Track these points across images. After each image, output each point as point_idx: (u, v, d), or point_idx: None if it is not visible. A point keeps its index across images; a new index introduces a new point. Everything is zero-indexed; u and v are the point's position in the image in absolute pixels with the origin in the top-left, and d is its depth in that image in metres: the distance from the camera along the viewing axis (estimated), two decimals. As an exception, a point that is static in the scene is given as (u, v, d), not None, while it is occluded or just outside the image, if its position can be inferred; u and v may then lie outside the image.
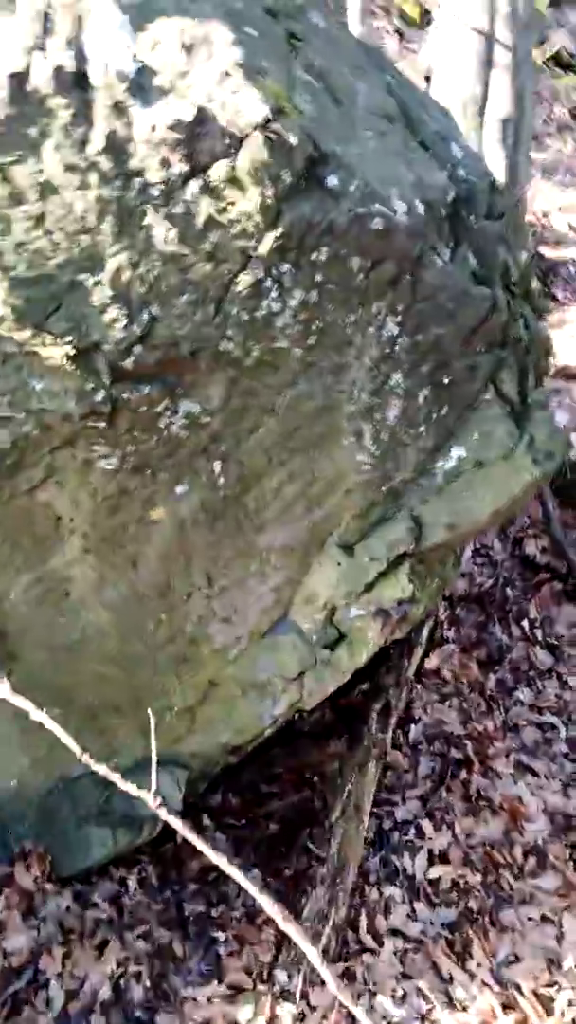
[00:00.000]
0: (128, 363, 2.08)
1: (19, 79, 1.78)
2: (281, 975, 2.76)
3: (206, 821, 3.44)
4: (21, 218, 1.89)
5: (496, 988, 2.86)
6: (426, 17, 7.06)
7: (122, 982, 2.75)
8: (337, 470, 2.51)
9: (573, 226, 5.96)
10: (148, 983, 2.75)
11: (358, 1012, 2.40)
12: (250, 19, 2.04)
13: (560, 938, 3.10)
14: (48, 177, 1.87)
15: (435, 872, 3.33)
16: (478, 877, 3.33)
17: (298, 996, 2.67)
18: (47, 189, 1.88)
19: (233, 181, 1.90)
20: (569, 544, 4.17)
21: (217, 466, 2.34)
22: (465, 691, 4.15)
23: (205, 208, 1.93)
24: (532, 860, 3.40)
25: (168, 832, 3.03)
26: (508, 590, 4.49)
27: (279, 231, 1.98)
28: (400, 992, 2.79)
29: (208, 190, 1.91)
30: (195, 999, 2.73)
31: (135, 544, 2.43)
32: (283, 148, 1.88)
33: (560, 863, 3.39)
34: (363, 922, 3.04)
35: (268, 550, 2.59)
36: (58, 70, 1.79)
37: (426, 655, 4.11)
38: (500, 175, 4.40)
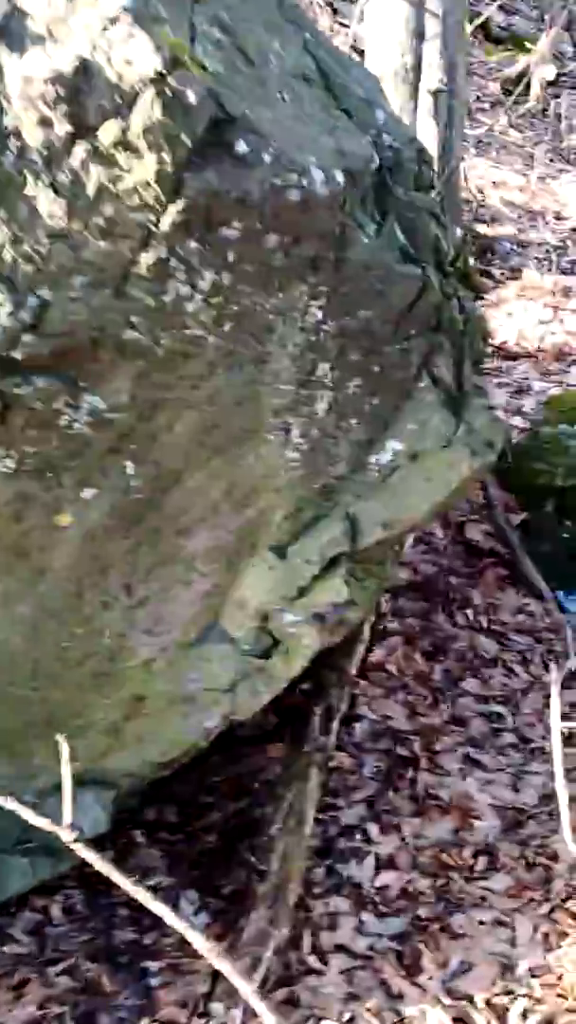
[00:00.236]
0: (18, 354, 1.80)
1: None
2: (218, 1008, 2.53)
3: (139, 837, 3.19)
4: None
5: (448, 1001, 2.68)
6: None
7: (43, 1026, 2.51)
8: (264, 468, 2.27)
9: (508, 203, 5.77)
10: (72, 1025, 2.51)
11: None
12: (144, -38, 1.77)
13: (513, 941, 2.92)
14: None
15: (383, 879, 3.14)
16: (427, 882, 3.14)
17: (236, 1027, 2.46)
18: None
19: (126, 145, 1.62)
20: (511, 530, 3.99)
21: (130, 467, 2.08)
22: (411, 684, 3.96)
23: (96, 177, 1.66)
24: (482, 860, 3.23)
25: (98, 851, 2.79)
26: (451, 578, 4.31)
27: (182, 204, 1.71)
28: (347, 1016, 2.58)
29: (98, 156, 1.63)
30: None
31: (42, 554, 2.16)
32: (182, 107, 1.61)
33: (511, 862, 3.22)
34: (307, 940, 2.83)
35: (193, 556, 2.34)
36: None
37: (369, 649, 3.91)
38: (433, 149, 4.16)
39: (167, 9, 1.73)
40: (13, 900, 2.71)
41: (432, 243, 2.20)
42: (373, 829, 3.34)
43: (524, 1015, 2.64)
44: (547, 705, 3.89)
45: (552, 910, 3.00)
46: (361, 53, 5.44)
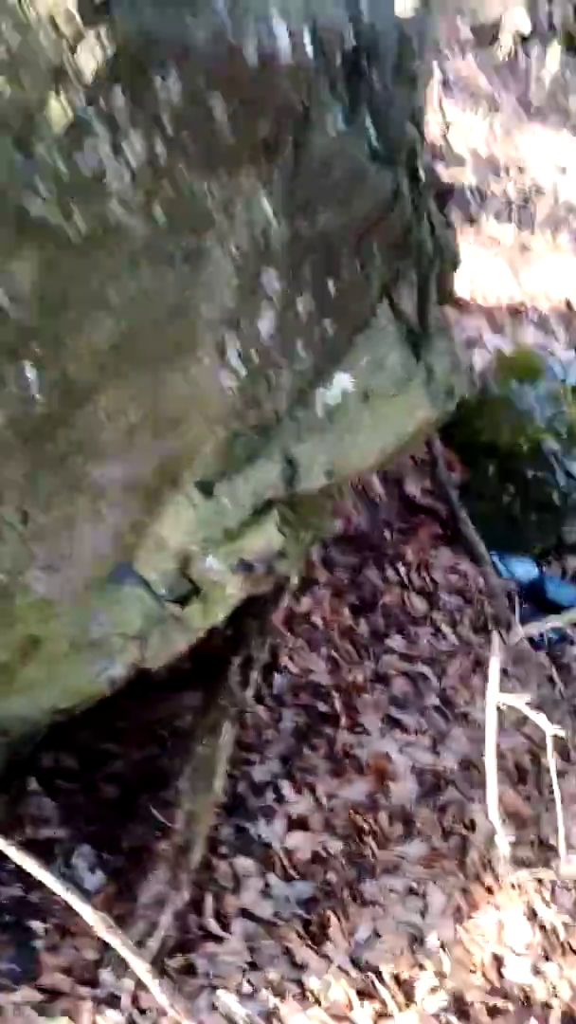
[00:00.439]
0: None
1: None
2: (107, 977, 2.25)
3: (33, 785, 2.87)
4: None
5: (353, 974, 2.45)
6: None
7: None
8: (193, 392, 1.91)
9: (471, 150, 5.39)
10: (-55, 991, 2.20)
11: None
12: None
13: (424, 911, 2.71)
14: None
15: (293, 840, 2.88)
16: (340, 845, 2.90)
17: (127, 1000, 2.17)
18: None
19: (37, -51, 1.23)
20: (452, 487, 3.71)
21: (31, 374, 1.70)
22: (335, 638, 3.69)
23: (-3, -8, 1.26)
24: (398, 826, 3.00)
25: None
26: (386, 532, 4.03)
27: (107, 41, 1.32)
28: (247, 986, 2.33)
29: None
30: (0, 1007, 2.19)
31: None
32: None
33: (427, 828, 3.00)
34: (209, 903, 2.56)
35: (104, 486, 1.98)
36: None
37: (295, 599, 3.61)
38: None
39: None
40: None
41: (407, 147, 1.84)
42: (286, 787, 3.08)
43: (433, 991, 2.43)
44: (474, 670, 3.67)
45: (467, 882, 2.80)
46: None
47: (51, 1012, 2.10)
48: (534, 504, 3.83)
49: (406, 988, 2.44)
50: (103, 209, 1.51)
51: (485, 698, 3.58)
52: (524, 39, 7.16)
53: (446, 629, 3.80)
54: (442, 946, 2.58)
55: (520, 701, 2.61)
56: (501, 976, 2.53)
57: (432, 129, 5.55)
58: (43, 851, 2.65)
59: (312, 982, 2.37)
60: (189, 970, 2.30)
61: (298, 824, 2.94)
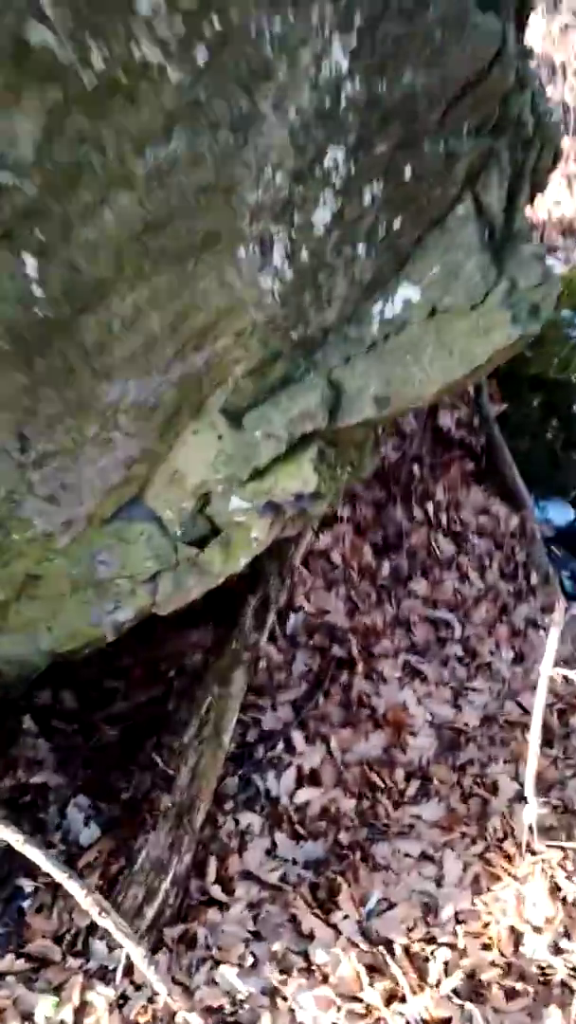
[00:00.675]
0: None
1: None
2: (100, 947, 2.03)
3: (28, 724, 2.61)
4: None
5: (363, 947, 2.23)
6: None
7: None
8: (228, 298, 1.55)
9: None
10: None
11: (193, 1019, 1.70)
12: None
13: (439, 880, 2.48)
14: None
15: (303, 796, 2.64)
16: (351, 803, 2.66)
17: (120, 974, 1.95)
18: None
19: None
20: (493, 422, 3.34)
21: (31, 265, 1.33)
22: (355, 578, 3.39)
23: None
24: (414, 784, 2.76)
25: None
26: (415, 466, 3.68)
27: None
28: (249, 959, 2.11)
29: None
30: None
31: None
32: None
33: (445, 788, 2.75)
34: (212, 865, 2.33)
35: (116, 408, 1.63)
36: None
37: (316, 535, 3.31)
38: None
39: None
40: None
41: (514, -2, 1.42)
42: (297, 737, 2.82)
43: (446, 968, 2.21)
44: (500, 618, 3.38)
45: (486, 849, 2.56)
46: None
47: (38, 985, 1.87)
48: (579, 443, 3.48)
49: (419, 965, 2.22)
50: (128, 45, 1.12)
51: (512, 649, 3.32)
52: None
53: (473, 574, 3.50)
54: (457, 919, 2.35)
55: (577, 675, 2.31)
56: (518, 953, 2.31)
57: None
58: (36, 798, 2.42)
59: (319, 956, 2.15)
60: (189, 941, 2.08)
61: (309, 778, 2.70)
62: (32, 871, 2.20)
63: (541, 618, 3.42)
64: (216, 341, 1.58)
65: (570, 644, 3.20)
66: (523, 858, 2.51)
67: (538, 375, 3.37)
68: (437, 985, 2.13)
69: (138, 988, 1.96)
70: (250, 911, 2.23)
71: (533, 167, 1.57)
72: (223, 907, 2.20)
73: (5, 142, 1.15)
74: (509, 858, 2.54)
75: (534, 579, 3.49)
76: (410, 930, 2.33)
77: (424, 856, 2.55)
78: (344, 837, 2.54)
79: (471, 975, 2.22)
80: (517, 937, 2.36)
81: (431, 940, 2.31)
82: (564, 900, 2.45)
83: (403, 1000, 2.05)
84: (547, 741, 2.95)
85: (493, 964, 2.26)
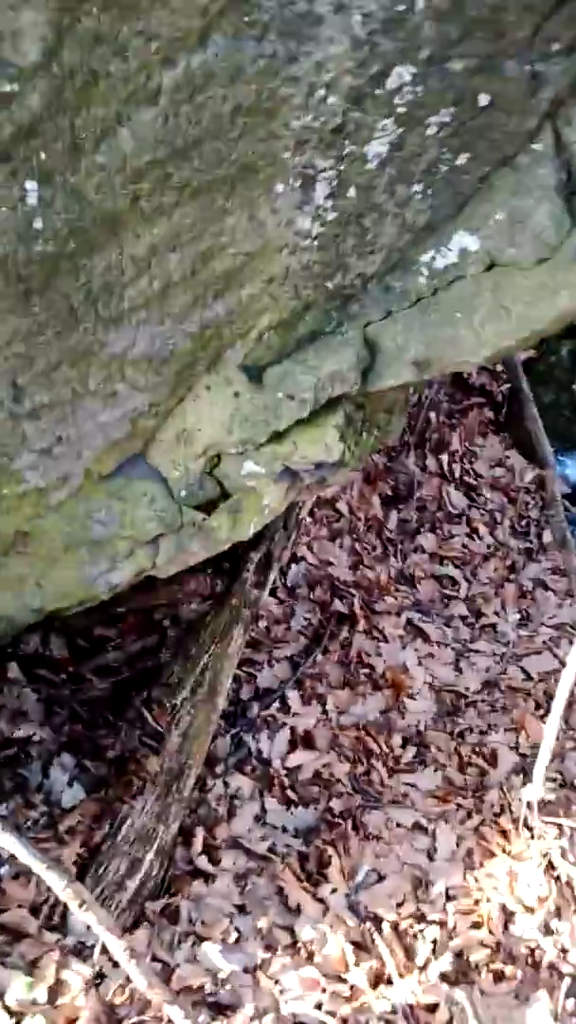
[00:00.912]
0: None
1: None
2: (78, 921, 1.93)
3: (13, 672, 2.47)
4: None
5: (351, 923, 2.15)
6: None
7: None
8: (259, 239, 1.32)
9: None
10: None
11: (174, 1012, 1.61)
12: None
13: (431, 853, 2.41)
14: None
15: (296, 759, 2.54)
16: (346, 767, 2.57)
17: (97, 951, 1.86)
18: None
19: None
20: (519, 370, 3.12)
21: (32, 193, 1.10)
22: (361, 530, 3.23)
23: None
24: (411, 750, 2.66)
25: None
26: (431, 413, 3.48)
27: None
28: (233, 935, 2.03)
29: None
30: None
31: None
32: None
33: (442, 757, 2.66)
34: (199, 834, 2.23)
35: (123, 357, 1.42)
36: None
37: (323, 482, 3.11)
38: None
39: None
40: None
41: None
42: (293, 697, 2.71)
43: (434, 948, 2.15)
44: (508, 577, 3.24)
45: (481, 823, 2.48)
46: None
47: (11, 960, 1.77)
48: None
49: (407, 944, 2.15)
50: None
51: (519, 610, 3.19)
52: None
53: (483, 530, 3.34)
54: (448, 895, 2.28)
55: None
56: (508, 932, 2.25)
57: None
58: (19, 752, 2.30)
59: (305, 932, 2.07)
60: (171, 915, 1.99)
61: (303, 741, 2.59)
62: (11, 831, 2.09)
63: (551, 579, 3.28)
64: (241, 289, 1.36)
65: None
66: (519, 834, 2.43)
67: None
68: (425, 967, 2.06)
69: (116, 966, 1.87)
70: (236, 883, 2.14)
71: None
72: (208, 879, 2.11)
73: (7, 42, 0.90)
74: (504, 833, 2.47)
75: (546, 537, 3.33)
76: (399, 905, 2.26)
77: (417, 827, 2.47)
78: (336, 804, 2.45)
79: (459, 955, 2.16)
80: (508, 916, 2.30)
81: (420, 917, 2.24)
82: (558, 879, 2.39)
83: (389, 982, 1.98)
84: (549, 711, 2.84)
85: (483, 944, 2.19)
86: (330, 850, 2.32)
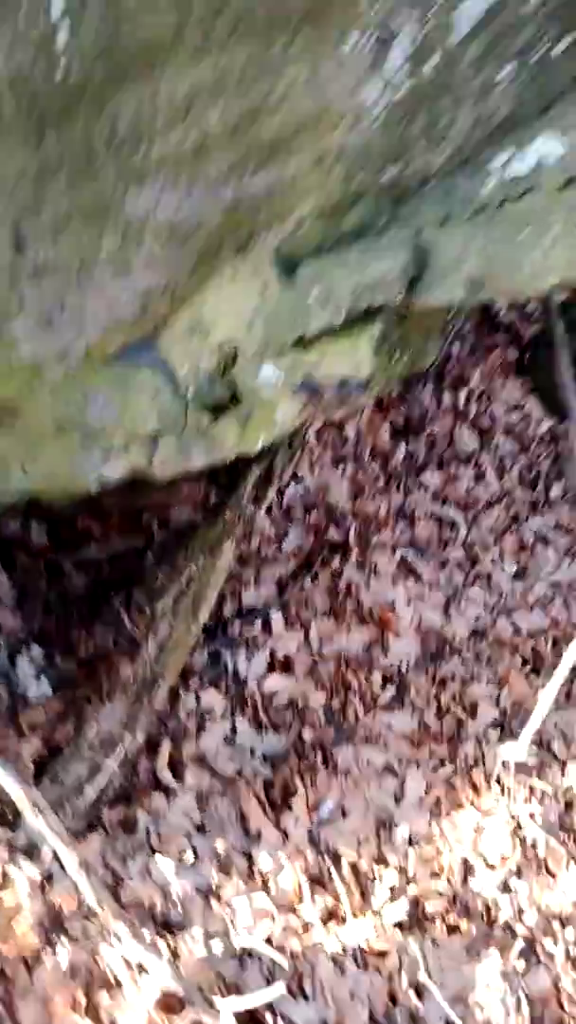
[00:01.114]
0: None
1: None
2: (33, 820, 1.85)
3: (-13, 553, 2.35)
4: None
5: (310, 857, 2.10)
6: None
7: None
8: (316, 104, 1.13)
9: None
10: None
11: (120, 929, 1.54)
12: None
13: (399, 798, 2.35)
14: None
15: (272, 683, 2.46)
16: (322, 698, 2.49)
17: (47, 854, 1.79)
18: None
19: None
20: (556, 311, 2.93)
21: (56, 10, 0.91)
22: (365, 458, 3.09)
23: None
24: (390, 690, 2.58)
25: None
26: (454, 345, 3.29)
27: None
28: (189, 854, 1.97)
29: None
30: None
31: None
32: None
33: (421, 700, 2.59)
34: (165, 746, 2.15)
35: (142, 223, 1.24)
36: None
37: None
38: None
39: None
40: None
41: None
42: (276, 619, 2.61)
43: (392, 895, 2.10)
44: (510, 527, 3.12)
45: (453, 773, 2.42)
46: None
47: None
48: None
49: (363, 884, 2.10)
50: None
51: (516, 562, 3.08)
52: None
53: (491, 475, 3.20)
54: (411, 841, 2.23)
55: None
56: (466, 887, 2.21)
57: None
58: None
59: (263, 860, 2.01)
60: (128, 826, 1.92)
61: (281, 665, 2.51)
62: (-29, 722, 2.00)
63: (553, 535, 3.16)
64: (287, 162, 1.18)
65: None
66: (489, 790, 2.38)
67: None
68: (379, 912, 2.01)
69: (65, 871, 1.80)
70: (198, 802, 2.07)
71: None
72: (170, 794, 2.04)
73: None
74: (475, 787, 2.41)
75: (554, 492, 3.20)
76: (360, 845, 2.20)
77: (388, 768, 2.41)
78: (308, 734, 2.38)
79: (416, 903, 2.12)
80: (468, 870, 2.25)
81: (381, 860, 2.19)
82: (523, 840, 2.34)
83: (343, 921, 1.93)
84: (535, 669, 2.77)
85: (440, 895, 2.15)
86: (297, 780, 2.26)
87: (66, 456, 1.70)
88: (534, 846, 2.33)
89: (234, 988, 1.66)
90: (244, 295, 1.37)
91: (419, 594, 2.87)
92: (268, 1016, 1.62)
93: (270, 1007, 1.66)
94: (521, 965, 1.99)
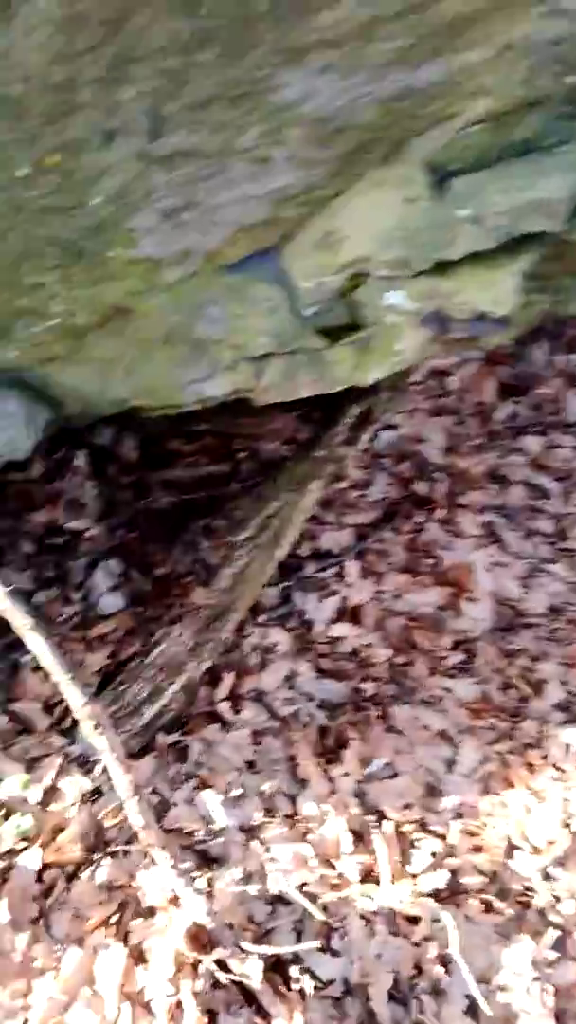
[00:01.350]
0: None
1: None
2: (88, 728, 1.79)
3: (80, 461, 2.27)
4: None
5: (353, 810, 2.00)
6: None
7: None
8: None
9: None
10: None
11: (161, 857, 1.47)
12: None
13: (451, 765, 2.22)
14: None
15: (339, 630, 2.34)
16: (387, 652, 2.36)
17: (101, 768, 1.72)
18: None
19: None
20: None
21: None
22: (465, 412, 2.89)
23: None
24: (458, 655, 2.43)
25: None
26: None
27: None
28: (236, 790, 1.89)
29: None
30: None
31: None
32: None
33: (487, 670, 2.43)
34: (226, 678, 2.07)
35: (290, 113, 1.08)
36: None
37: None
38: None
39: None
40: None
41: None
42: (352, 566, 2.48)
43: (432, 863, 1.99)
44: (608, 508, 2.89)
45: (510, 751, 2.28)
46: None
47: (14, 751, 1.65)
48: None
49: (404, 848, 1.99)
50: None
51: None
52: None
53: (594, 449, 2.96)
54: (457, 812, 2.11)
55: None
56: (507, 867, 2.08)
57: None
58: (68, 543, 2.13)
59: (307, 807, 1.92)
60: (180, 753, 1.84)
61: (350, 614, 2.38)
62: (46, 618, 1.94)
63: None
64: (463, 52, 0.99)
65: None
66: (544, 772, 2.23)
67: None
68: (415, 877, 1.90)
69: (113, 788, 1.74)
70: (251, 738, 1.98)
71: None
72: (226, 726, 1.95)
73: None
74: (531, 767, 2.26)
75: None
76: (406, 807, 2.09)
77: (444, 735, 2.27)
78: (368, 687, 2.26)
79: (454, 874, 2.00)
80: (511, 850, 2.12)
81: (423, 826, 2.07)
82: (571, 829, 2.19)
83: (377, 882, 1.83)
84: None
85: (479, 871, 2.03)
86: (351, 731, 2.15)
87: (170, 368, 1.58)
88: (584, 838, 2.18)
89: (263, 932, 1.59)
90: (386, 207, 1.20)
91: (500, 561, 2.70)
92: (292, 966, 1.54)
93: (295, 956, 1.58)
94: (552, 955, 1.86)
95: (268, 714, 2.04)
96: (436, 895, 1.86)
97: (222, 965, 1.31)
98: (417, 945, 1.78)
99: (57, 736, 1.70)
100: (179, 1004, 1.33)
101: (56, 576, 2.04)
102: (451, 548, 2.66)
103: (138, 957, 1.38)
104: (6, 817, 1.40)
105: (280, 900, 1.63)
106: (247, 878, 1.59)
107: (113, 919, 1.35)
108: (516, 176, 1.15)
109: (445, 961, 1.79)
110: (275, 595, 2.31)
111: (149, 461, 2.36)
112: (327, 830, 1.90)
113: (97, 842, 1.42)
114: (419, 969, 1.74)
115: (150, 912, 1.38)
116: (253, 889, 1.55)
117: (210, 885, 1.56)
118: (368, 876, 1.85)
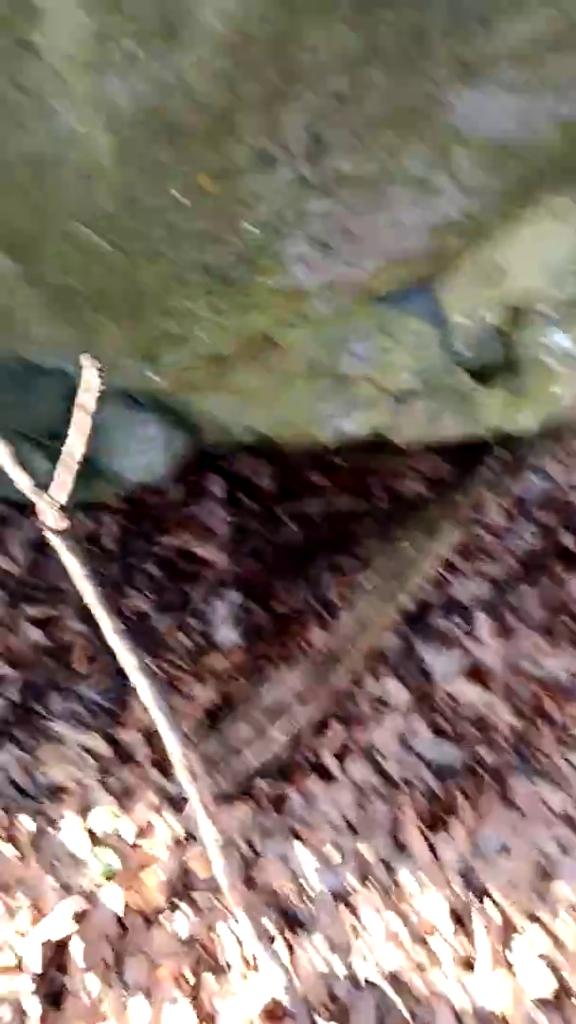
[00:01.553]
0: None
1: None
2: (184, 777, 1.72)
3: (213, 486, 2.23)
4: None
5: (457, 889, 1.82)
6: None
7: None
8: None
9: None
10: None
11: (242, 918, 1.36)
12: None
13: (568, 847, 1.99)
14: None
15: (462, 688, 2.16)
16: (511, 719, 2.16)
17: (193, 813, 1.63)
18: None
19: None
20: None
21: None
22: (625, 466, 2.63)
23: None
24: (590, 729, 2.19)
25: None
26: None
27: None
28: (334, 852, 1.76)
29: None
30: (58, 736, 1.71)
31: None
32: None
33: (622, 751, 2.17)
34: (335, 729, 1.94)
35: (460, 135, 0.96)
36: None
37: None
38: None
39: None
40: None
41: None
42: (482, 621, 2.29)
43: (533, 955, 1.76)
44: None
45: None
46: None
47: (110, 781, 1.58)
48: None
49: (507, 936, 1.78)
50: None
51: None
52: None
53: None
54: (572, 905, 1.87)
55: None
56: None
57: None
58: (192, 572, 2.08)
59: (406, 879, 1.75)
60: (278, 802, 1.72)
61: (475, 672, 2.19)
62: (153, 650, 1.89)
63: None
64: None
65: None
66: None
67: None
68: (514, 972, 1.69)
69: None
70: (355, 796, 1.83)
71: None
72: (329, 780, 1.81)
73: None
74: None
75: None
76: (514, 890, 1.88)
77: (565, 816, 2.04)
78: (487, 755, 2.06)
79: (555, 971, 1.77)
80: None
81: (531, 915, 1.85)
82: None
83: (470, 968, 1.64)
84: None
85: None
86: (463, 801, 1.96)
87: (311, 401, 1.49)
88: None
89: (342, 1010, 1.44)
90: (558, 239, 1.05)
91: None
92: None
93: (373, 1046, 1.42)
94: None
95: (375, 772, 1.89)
96: (536, 999, 1.65)
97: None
98: (510, 1054, 1.57)
99: (155, 771, 1.62)
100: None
101: (178, 602, 1.99)
102: (595, 609, 2.42)
103: (205, 1017, 1.27)
104: (92, 846, 1.33)
105: (366, 979, 1.48)
106: (332, 948, 1.45)
107: (188, 975, 1.25)
108: None
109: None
110: (396, 643, 2.16)
111: (283, 492, 2.28)
112: (427, 905, 1.72)
113: (181, 889, 1.32)
114: None
115: (225, 970, 1.27)
116: (337, 963, 1.41)
117: (291, 950, 1.43)
118: (464, 966, 1.66)
